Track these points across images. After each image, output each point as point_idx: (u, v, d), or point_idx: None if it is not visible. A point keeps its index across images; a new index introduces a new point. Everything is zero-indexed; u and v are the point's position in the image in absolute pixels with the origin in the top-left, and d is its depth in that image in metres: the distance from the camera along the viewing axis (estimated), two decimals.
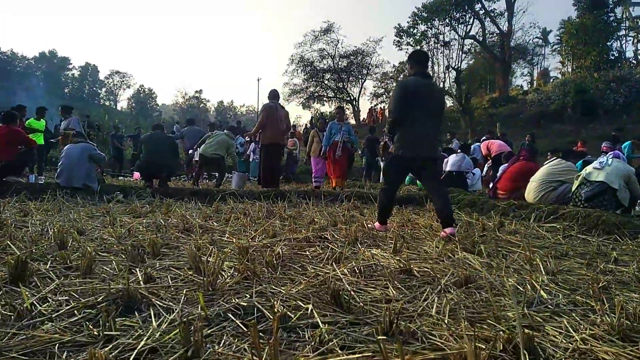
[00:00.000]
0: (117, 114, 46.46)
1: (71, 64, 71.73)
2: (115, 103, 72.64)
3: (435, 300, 1.96)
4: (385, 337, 1.53)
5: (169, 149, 7.72)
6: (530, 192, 6.02)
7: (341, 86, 36.67)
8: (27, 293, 1.81)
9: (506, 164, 7.55)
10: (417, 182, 9.18)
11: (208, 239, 3.29)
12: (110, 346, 1.37)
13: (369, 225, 4.25)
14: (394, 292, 2.12)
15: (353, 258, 2.85)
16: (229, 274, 2.32)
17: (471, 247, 3.24)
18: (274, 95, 8.25)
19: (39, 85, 51.27)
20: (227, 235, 3.50)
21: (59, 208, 4.75)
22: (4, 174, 6.56)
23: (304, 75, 35.84)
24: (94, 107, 50.86)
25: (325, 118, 11.39)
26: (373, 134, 13.60)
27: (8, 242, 2.65)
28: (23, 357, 1.30)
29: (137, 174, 9.89)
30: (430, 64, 30.31)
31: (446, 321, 1.72)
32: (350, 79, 36.81)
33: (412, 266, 2.58)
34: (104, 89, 73.95)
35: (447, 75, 31.28)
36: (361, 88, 37.35)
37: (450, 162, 8.78)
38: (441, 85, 30.54)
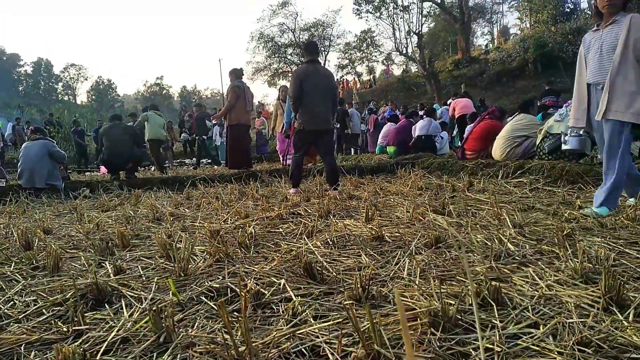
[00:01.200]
0: (77, 108, 44.88)
1: (22, 60, 68.73)
2: (75, 97, 70.12)
3: (407, 263, 1.99)
4: (355, 302, 1.55)
5: (130, 139, 7.52)
6: (497, 149, 6.14)
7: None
8: None
9: (472, 124, 7.66)
10: (388, 150, 9.25)
11: (179, 226, 3.25)
12: (80, 340, 1.35)
13: (341, 197, 4.27)
14: (366, 259, 2.15)
15: (326, 230, 2.86)
16: (201, 258, 2.31)
17: (441, 209, 3.30)
18: (238, 74, 8.03)
19: None
20: (198, 220, 3.46)
21: (23, 209, 4.61)
22: None
23: (266, 52, 35.16)
24: (52, 103, 49.08)
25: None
26: (342, 106, 13.45)
27: None
28: None
29: (103, 168, 9.65)
30: (392, 30, 30.15)
31: (417, 282, 1.76)
32: None
33: (384, 232, 2.62)
34: (60, 84, 71.12)
35: (409, 40, 31.15)
36: (325, 60, 36.97)
37: (418, 127, 8.86)
38: (404, 51, 30.47)
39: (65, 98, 67.12)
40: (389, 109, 14.63)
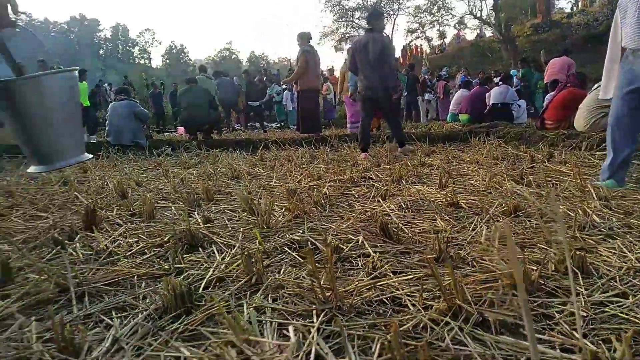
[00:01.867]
0: (152, 71, 47.00)
1: (101, 25, 72.31)
2: (150, 61, 73.25)
3: (484, 229, 1.99)
4: (433, 262, 1.59)
5: (206, 101, 7.80)
6: (580, 119, 5.77)
7: None
8: (100, 237, 1.98)
9: (552, 93, 7.21)
10: (460, 118, 8.97)
11: (257, 184, 3.41)
12: (182, 277, 1.50)
13: (413, 162, 4.25)
14: (442, 223, 2.17)
15: (399, 195, 2.89)
16: (280, 213, 2.43)
17: (519, 179, 3.21)
18: (308, 37, 7.99)
19: (74, 48, 52.42)
20: (273, 180, 3.61)
21: (113, 164, 5.01)
22: None
23: (333, 15, 34.55)
24: (129, 66, 51.69)
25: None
26: (412, 72, 13.05)
27: (76, 193, 2.86)
28: (108, 287, 1.46)
29: (181, 129, 10.14)
30: None
31: (496, 247, 1.76)
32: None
33: (459, 199, 2.60)
34: (137, 48, 74.43)
35: (483, 3, 29.26)
36: (393, 25, 35.71)
37: (493, 95, 8.46)
38: (478, 14, 28.69)
39: (142, 62, 70.23)
40: (462, 75, 14.03)
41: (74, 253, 1.83)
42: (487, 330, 1.11)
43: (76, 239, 2.06)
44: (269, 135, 8.59)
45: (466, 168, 3.98)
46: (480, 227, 2.05)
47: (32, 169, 2.10)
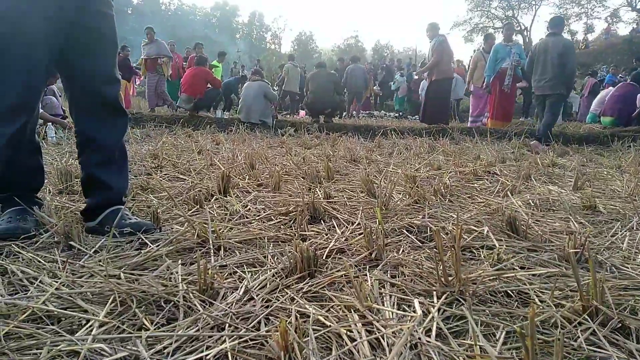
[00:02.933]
0: (281, 56, 49.17)
1: (239, 11, 77.25)
2: (280, 46, 76.67)
3: (627, 236, 1.80)
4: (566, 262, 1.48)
5: (332, 85, 7.98)
6: None
7: (510, 14, 32.88)
8: (233, 200, 2.17)
9: None
10: (602, 121, 8.08)
11: (375, 168, 3.44)
12: (307, 243, 1.58)
13: (543, 161, 3.95)
14: (576, 225, 2.00)
15: (527, 192, 2.72)
16: (399, 197, 2.43)
17: None
18: (436, 28, 7.76)
19: (214, 32, 56.86)
20: (391, 166, 3.60)
21: (243, 139, 5.39)
22: (198, 107, 7.65)
23: (468, 4, 32.99)
24: (261, 50, 54.63)
25: (494, 38, 8.96)
26: None
27: (213, 160, 3.14)
28: (240, 245, 1.59)
29: (302, 112, 10.54)
30: None
31: None
32: (522, 5, 32.67)
33: (597, 203, 2.38)
34: (269, 33, 78.37)
35: None
36: (534, 15, 33.04)
37: None
38: (637, 6, 25.28)
39: (272, 47, 73.80)
40: (610, 73, 12.56)
41: (211, 212, 2.02)
42: (627, 337, 1.02)
43: (212, 200, 2.27)
44: (387, 123, 8.55)
45: (605, 173, 3.60)
46: (622, 234, 1.85)
47: None
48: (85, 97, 1.70)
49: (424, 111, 7.95)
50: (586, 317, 1.07)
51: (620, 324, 1.06)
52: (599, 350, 0.96)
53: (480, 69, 7.86)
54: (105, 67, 1.71)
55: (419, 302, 1.13)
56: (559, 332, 1.01)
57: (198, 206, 2.13)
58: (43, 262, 1.34)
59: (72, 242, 1.50)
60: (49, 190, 2.33)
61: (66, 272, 1.27)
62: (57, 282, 1.18)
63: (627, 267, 1.46)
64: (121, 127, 1.81)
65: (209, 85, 7.85)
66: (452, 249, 1.27)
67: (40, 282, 1.20)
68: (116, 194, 1.74)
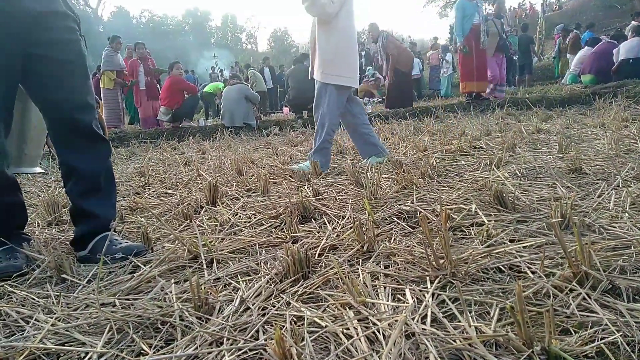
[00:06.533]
0: (259, 55, 48.93)
1: (211, 15, 76.67)
2: (256, 45, 76.21)
3: (613, 195, 1.82)
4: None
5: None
6: None
7: None
8: (223, 210, 2.17)
9: None
10: (583, 79, 8.12)
11: (362, 158, 3.44)
12: (298, 244, 1.59)
13: (528, 129, 3.98)
14: (563, 190, 2.02)
15: (513, 162, 2.74)
16: (387, 185, 2.44)
17: None
18: (377, 26, 8.07)
19: (189, 40, 56.44)
20: None
21: (228, 144, 5.37)
22: (178, 117, 7.56)
23: None
24: (238, 52, 54.28)
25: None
26: (526, 32, 11.98)
27: (199, 171, 3.14)
28: (233, 255, 1.59)
29: (286, 109, 10.50)
30: None
31: (627, 213, 1.61)
32: None
33: (582, 165, 2.40)
34: (244, 34, 77.86)
35: None
36: None
37: (623, 49, 7.50)
38: None
39: (249, 47, 73.35)
40: (589, 31, 12.41)
41: (201, 225, 2.02)
42: (617, 297, 1.03)
43: (202, 212, 2.27)
44: (370, 110, 8.56)
45: (590, 132, 3.63)
46: (608, 193, 1.87)
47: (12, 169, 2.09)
48: (60, 127, 1.67)
49: (388, 97, 8.13)
50: (576, 283, 1.08)
51: (610, 285, 1.08)
52: (591, 314, 0.97)
53: (492, 37, 7.25)
54: (77, 95, 1.67)
55: (413, 290, 1.14)
56: (551, 301, 1.02)
57: (188, 220, 2.13)
58: (37, 299, 1.34)
59: (64, 275, 1.49)
60: (38, 223, 2.31)
61: (61, 307, 1.26)
62: (52, 318, 1.18)
63: (615, 227, 1.48)
64: (103, 153, 1.77)
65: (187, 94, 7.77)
66: (441, 232, 1.28)
67: (35, 320, 1.19)
68: (103, 221, 1.72)
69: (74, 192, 1.72)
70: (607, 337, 0.88)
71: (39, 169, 2.17)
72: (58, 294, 1.35)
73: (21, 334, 1.14)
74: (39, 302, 1.32)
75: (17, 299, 1.36)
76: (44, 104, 1.65)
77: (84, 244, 1.70)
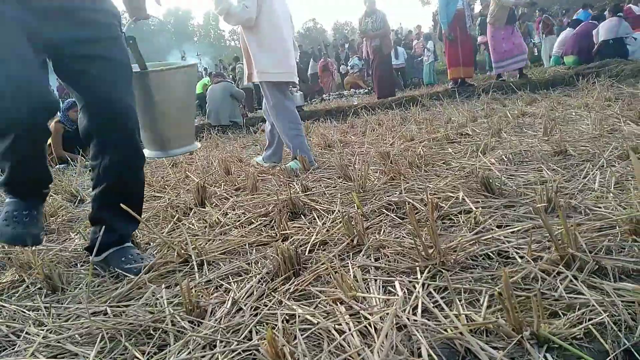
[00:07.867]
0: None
1: (192, 14, 75.88)
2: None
3: (598, 175, 1.84)
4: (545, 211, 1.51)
5: (299, 72, 7.94)
6: None
7: None
8: (212, 211, 2.16)
9: None
10: (565, 61, 8.18)
11: (350, 151, 3.44)
12: (288, 242, 1.59)
13: (513, 113, 4.00)
14: (548, 173, 2.04)
15: (500, 148, 2.75)
16: (375, 177, 2.45)
17: (637, 119, 2.89)
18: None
19: (172, 39, 55.99)
20: (366, 145, 3.61)
21: (216, 143, 5.34)
22: None
23: None
24: (222, 49, 53.95)
25: None
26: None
27: (187, 173, 3.12)
28: (223, 256, 1.59)
29: None
30: None
31: (612, 193, 1.63)
32: None
33: (567, 147, 2.42)
34: (227, 31, 77.19)
35: None
36: None
37: (603, 30, 7.56)
38: None
39: (232, 44, 72.83)
40: (584, 11, 12.00)
41: (190, 227, 2.01)
42: (604, 278, 1.05)
43: (191, 214, 2.26)
44: (357, 102, 8.56)
45: (574, 114, 3.66)
46: (593, 173, 1.89)
47: (147, 153, 2.23)
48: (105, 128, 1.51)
49: (380, 88, 8.19)
50: (563, 266, 1.10)
51: (597, 266, 1.09)
52: (579, 296, 0.98)
53: (502, 9, 6.80)
54: (126, 95, 1.53)
55: (403, 282, 1.14)
56: (539, 286, 1.04)
57: (178, 223, 2.12)
58: (27, 312, 1.32)
59: (54, 285, 1.48)
60: None
61: (52, 318, 1.25)
62: (43, 330, 1.17)
63: (600, 207, 1.50)
64: (137, 164, 1.62)
65: None
66: (428, 222, 1.28)
67: (26, 333, 1.18)
68: (123, 234, 1.62)
69: (100, 200, 1.59)
70: (595, 318, 0.90)
71: (197, 144, 2.32)
72: (48, 305, 1.33)
73: (12, 349, 1.13)
74: (29, 315, 1.31)
75: (7, 313, 1.34)
76: (93, 104, 1.49)
77: (98, 251, 1.60)
